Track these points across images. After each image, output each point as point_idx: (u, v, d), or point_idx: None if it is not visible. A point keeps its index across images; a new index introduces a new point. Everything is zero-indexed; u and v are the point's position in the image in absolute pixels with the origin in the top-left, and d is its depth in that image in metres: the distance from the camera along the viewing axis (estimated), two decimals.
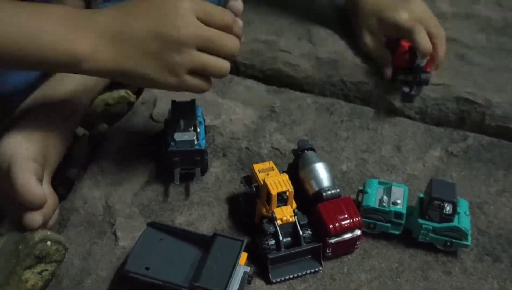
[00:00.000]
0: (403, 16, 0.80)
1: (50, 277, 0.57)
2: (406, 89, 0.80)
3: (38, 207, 0.57)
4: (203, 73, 0.61)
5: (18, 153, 0.58)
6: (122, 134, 0.75)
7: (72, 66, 0.57)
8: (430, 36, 0.78)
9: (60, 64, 0.57)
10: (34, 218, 0.56)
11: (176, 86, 0.60)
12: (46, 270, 0.56)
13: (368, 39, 0.86)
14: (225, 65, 0.62)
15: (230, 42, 0.61)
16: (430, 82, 0.81)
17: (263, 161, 0.71)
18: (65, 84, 0.71)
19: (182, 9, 0.58)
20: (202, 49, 0.59)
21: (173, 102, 0.71)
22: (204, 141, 0.69)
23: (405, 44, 0.81)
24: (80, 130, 0.77)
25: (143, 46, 0.57)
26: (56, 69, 0.60)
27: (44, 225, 0.58)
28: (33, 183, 0.56)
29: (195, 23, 0.58)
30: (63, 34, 0.56)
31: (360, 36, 0.88)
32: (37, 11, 0.57)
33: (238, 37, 0.63)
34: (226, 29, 0.61)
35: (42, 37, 0.55)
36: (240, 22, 0.89)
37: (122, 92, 0.78)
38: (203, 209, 0.66)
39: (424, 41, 0.76)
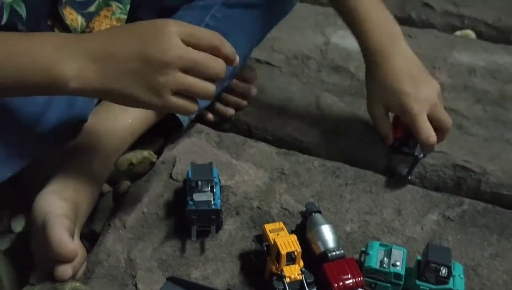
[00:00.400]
0: (416, 110, 0.81)
1: None
2: (403, 172, 0.86)
3: (69, 260, 0.62)
4: (189, 95, 0.63)
5: (53, 211, 0.65)
6: (144, 192, 0.81)
7: (60, 86, 0.59)
8: (438, 125, 0.82)
9: (48, 85, 0.59)
10: (65, 270, 0.62)
11: (161, 107, 0.62)
12: None
13: (376, 109, 0.87)
14: (210, 88, 0.63)
15: (215, 65, 0.62)
16: None
17: (273, 220, 0.77)
18: (95, 145, 0.78)
19: (167, 31, 0.60)
20: (187, 71, 0.61)
21: (192, 164, 0.78)
22: (219, 200, 0.75)
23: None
24: (105, 187, 0.84)
25: (127, 66, 0.59)
26: (45, 90, 0.61)
27: (73, 277, 0.64)
28: (67, 239, 0.62)
29: (180, 45, 0.60)
30: (51, 56, 0.59)
31: (370, 102, 0.88)
32: (25, 36, 0.62)
33: (228, 59, 0.64)
34: (214, 51, 0.62)
35: (30, 59, 0.58)
36: (254, 89, 0.97)
37: (145, 153, 0.84)
38: (217, 265, 0.72)
39: (431, 148, 0.82)
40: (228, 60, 0.64)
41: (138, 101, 0.61)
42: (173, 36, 0.60)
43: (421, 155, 0.84)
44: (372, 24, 0.83)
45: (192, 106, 0.64)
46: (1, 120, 0.66)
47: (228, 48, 0.64)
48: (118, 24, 0.82)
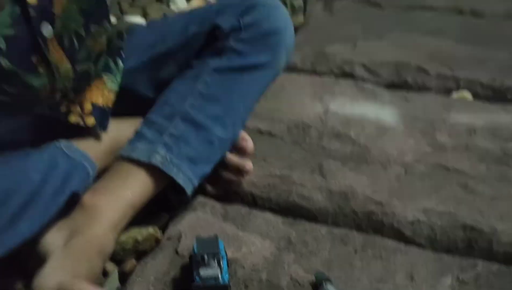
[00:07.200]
0: None
1: None
2: None
3: None
4: None
5: None
6: (150, 269, 0.79)
7: None
8: None
9: None
10: None
11: None
12: None
13: None
14: None
15: None
16: (436, 209, 0.87)
17: None
18: (93, 219, 0.77)
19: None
20: None
21: (197, 238, 0.76)
22: (227, 275, 0.73)
23: None
24: (110, 266, 0.82)
25: None
26: None
27: None
28: None
29: None
30: None
31: None
32: None
33: None
34: None
35: None
36: (249, 163, 0.95)
37: (150, 229, 0.84)
38: None
39: None
40: None
41: None
42: None
43: None
44: None
45: None
46: None
47: None
48: (110, 95, 0.85)
